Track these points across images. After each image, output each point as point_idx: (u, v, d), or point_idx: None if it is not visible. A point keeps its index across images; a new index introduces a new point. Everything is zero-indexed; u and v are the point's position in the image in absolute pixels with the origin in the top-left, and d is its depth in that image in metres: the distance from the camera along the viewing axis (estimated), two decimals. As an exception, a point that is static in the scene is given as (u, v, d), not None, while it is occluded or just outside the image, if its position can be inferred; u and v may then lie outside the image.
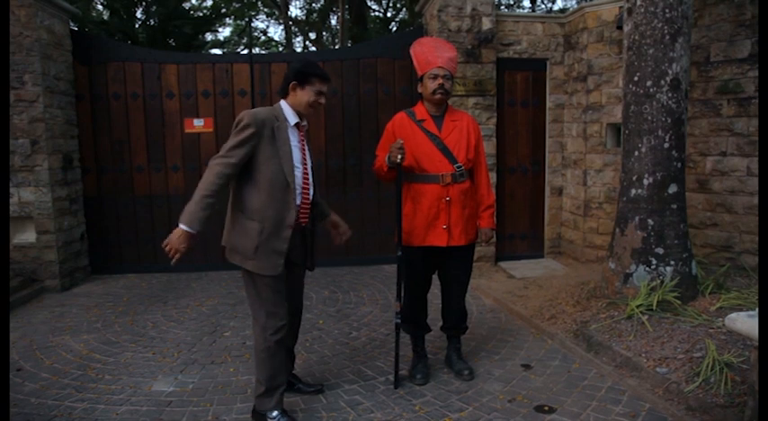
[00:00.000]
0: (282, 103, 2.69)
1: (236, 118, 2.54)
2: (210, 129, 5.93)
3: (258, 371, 2.69)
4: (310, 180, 2.73)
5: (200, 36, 13.97)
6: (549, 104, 6.00)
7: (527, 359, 3.50)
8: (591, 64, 5.50)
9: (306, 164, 2.71)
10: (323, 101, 2.71)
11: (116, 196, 5.92)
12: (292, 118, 2.66)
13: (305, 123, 2.75)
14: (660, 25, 3.67)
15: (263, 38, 21.58)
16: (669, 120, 3.72)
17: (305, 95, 2.64)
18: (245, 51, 18.94)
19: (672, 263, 3.74)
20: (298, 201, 2.64)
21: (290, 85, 2.64)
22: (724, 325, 2.38)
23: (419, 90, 3.13)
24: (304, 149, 2.72)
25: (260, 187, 2.53)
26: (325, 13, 18.48)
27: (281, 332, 2.66)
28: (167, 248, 2.41)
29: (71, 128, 5.61)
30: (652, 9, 3.69)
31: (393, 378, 3.14)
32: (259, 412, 2.71)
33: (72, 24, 5.96)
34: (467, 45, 5.49)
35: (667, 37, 3.67)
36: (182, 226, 2.41)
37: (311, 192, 2.74)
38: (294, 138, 2.65)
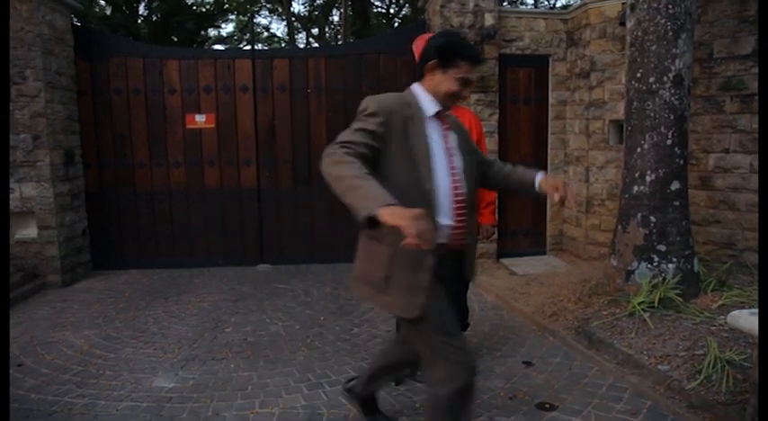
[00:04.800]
0: (416, 87, 2.05)
1: (360, 105, 1.94)
2: (212, 125, 5.92)
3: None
4: (465, 189, 2.02)
5: (203, 32, 13.95)
6: (551, 101, 5.98)
7: (528, 356, 3.49)
8: (593, 60, 5.48)
9: (454, 167, 2.00)
10: (467, 94, 2.05)
11: (118, 192, 5.92)
12: (430, 106, 1.99)
13: (449, 112, 2.08)
14: (663, 21, 3.65)
15: (265, 34, 21.54)
16: (672, 117, 3.70)
17: (444, 82, 1.96)
18: (248, 47, 18.92)
19: (674, 260, 3.73)
20: (445, 221, 1.95)
21: (428, 65, 1.99)
22: (726, 322, 2.37)
23: (421, 86, 3.11)
24: (449, 147, 2.02)
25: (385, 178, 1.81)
26: (327, 8, 18.43)
27: (464, 377, 1.95)
28: (417, 237, 1.47)
29: (72, 123, 5.60)
30: (655, 5, 3.67)
31: (394, 374, 3.14)
32: None
33: (74, 19, 5.95)
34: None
35: (670, 33, 3.65)
36: (381, 209, 1.52)
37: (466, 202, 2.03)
38: (435, 133, 1.99)
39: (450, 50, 1.95)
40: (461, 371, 1.93)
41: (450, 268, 2.04)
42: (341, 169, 1.69)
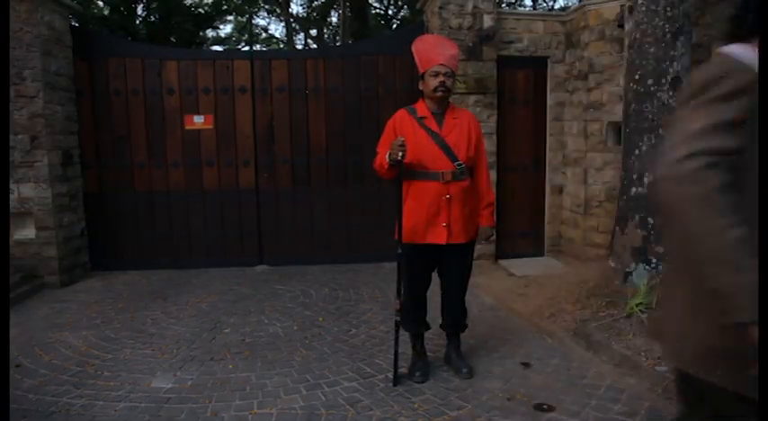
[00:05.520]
0: (741, 52, 1.21)
1: (710, 72, 1.22)
2: (211, 126, 5.92)
3: None
4: None
5: (202, 33, 13.97)
6: (549, 102, 5.99)
7: (526, 357, 3.50)
8: (592, 62, 5.49)
9: None
10: None
11: (116, 192, 5.91)
12: None
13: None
14: (661, 23, 3.67)
15: (263, 35, 21.56)
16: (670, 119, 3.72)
17: None
18: (246, 48, 18.92)
19: (672, 261, 3.74)
20: None
21: None
22: (724, 324, 2.37)
23: (420, 87, 3.12)
24: None
25: (746, 216, 1.11)
26: (326, 9, 18.45)
27: None
28: None
29: (71, 124, 5.60)
30: (653, 7, 3.68)
31: (392, 376, 3.13)
32: None
33: (72, 20, 5.95)
34: (468, 42, 5.47)
35: (668, 35, 3.67)
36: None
37: None
38: None
39: None
40: None
41: None
42: (714, 220, 1.09)
